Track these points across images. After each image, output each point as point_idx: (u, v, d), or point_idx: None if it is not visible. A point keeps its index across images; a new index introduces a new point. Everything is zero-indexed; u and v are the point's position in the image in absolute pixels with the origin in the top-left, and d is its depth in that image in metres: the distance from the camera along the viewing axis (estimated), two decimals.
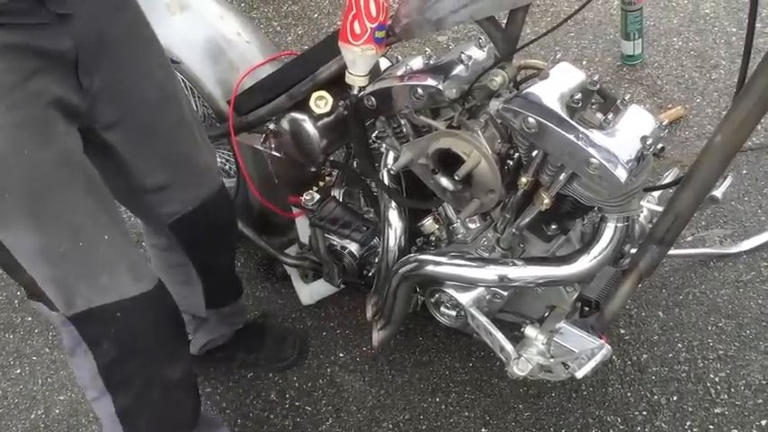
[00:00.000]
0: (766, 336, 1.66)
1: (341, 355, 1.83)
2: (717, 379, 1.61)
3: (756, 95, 1.06)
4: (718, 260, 1.82)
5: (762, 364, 1.61)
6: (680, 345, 1.68)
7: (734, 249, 1.81)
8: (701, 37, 2.55)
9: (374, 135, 1.54)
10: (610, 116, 1.21)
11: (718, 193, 1.31)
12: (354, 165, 1.66)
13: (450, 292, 1.40)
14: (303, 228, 1.82)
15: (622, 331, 1.73)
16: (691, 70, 2.43)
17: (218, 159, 2.11)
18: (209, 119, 1.90)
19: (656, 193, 1.50)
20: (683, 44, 2.54)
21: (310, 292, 1.94)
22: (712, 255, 1.82)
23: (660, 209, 1.40)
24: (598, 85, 1.25)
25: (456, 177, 1.24)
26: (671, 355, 1.67)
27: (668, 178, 1.56)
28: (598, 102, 1.28)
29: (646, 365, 1.66)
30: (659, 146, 1.21)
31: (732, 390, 1.58)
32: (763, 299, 1.72)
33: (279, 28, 3.12)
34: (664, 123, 1.23)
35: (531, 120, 1.17)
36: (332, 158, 1.66)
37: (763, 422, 1.52)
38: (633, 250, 1.38)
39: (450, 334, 1.79)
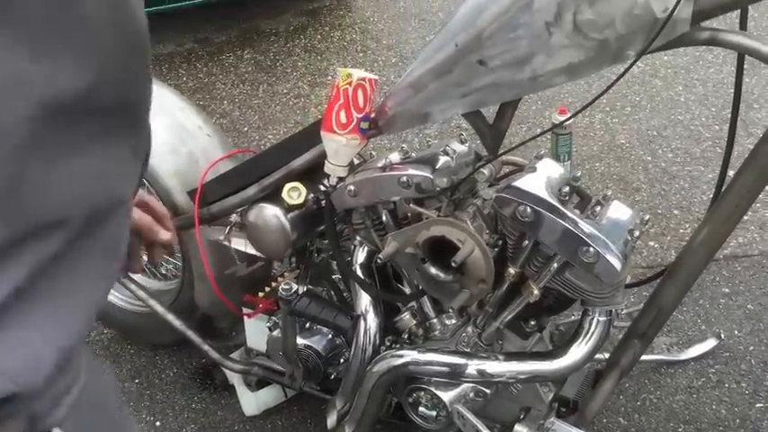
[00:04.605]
0: None
1: None
2: None
3: (744, 189, 1.13)
4: (668, 366, 1.85)
5: None
6: None
7: (682, 356, 1.86)
8: (621, 163, 2.74)
9: (344, 229, 1.52)
10: (597, 208, 1.24)
11: None
12: (317, 260, 1.61)
13: (433, 389, 1.34)
14: (252, 330, 1.72)
15: None
16: (615, 192, 2.58)
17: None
18: None
19: None
20: (606, 169, 2.71)
21: (256, 401, 1.80)
22: (662, 361, 1.86)
23: None
24: (580, 182, 1.30)
25: (453, 264, 1.22)
26: None
27: None
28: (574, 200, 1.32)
29: None
30: None
31: None
32: (717, 404, 1.75)
33: None
34: (645, 218, 1.28)
35: (526, 208, 1.19)
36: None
37: None
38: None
39: None
